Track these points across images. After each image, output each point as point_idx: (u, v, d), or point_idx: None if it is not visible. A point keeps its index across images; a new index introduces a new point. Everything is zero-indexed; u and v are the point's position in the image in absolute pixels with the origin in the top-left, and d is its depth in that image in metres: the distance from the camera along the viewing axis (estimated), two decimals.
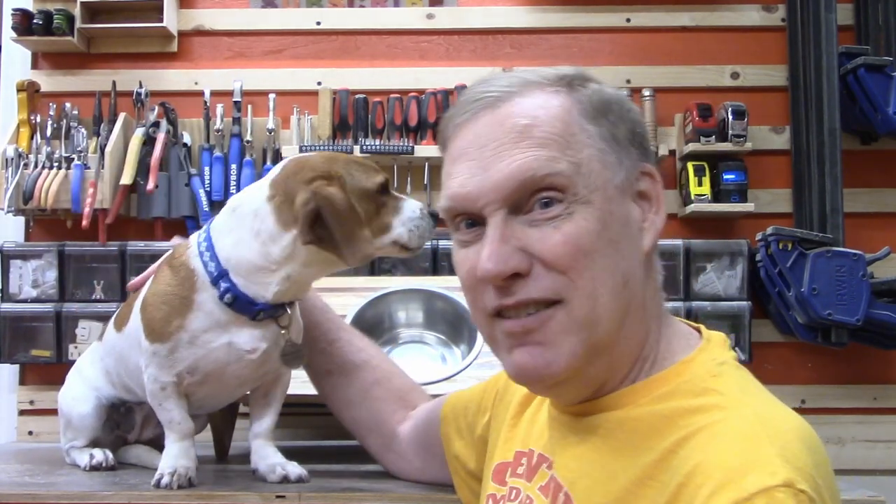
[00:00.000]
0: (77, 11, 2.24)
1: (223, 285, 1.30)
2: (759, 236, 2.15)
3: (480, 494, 1.08)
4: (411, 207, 1.33)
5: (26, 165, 2.16)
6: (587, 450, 0.88)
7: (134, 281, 1.50)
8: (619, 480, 0.82)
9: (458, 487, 1.24)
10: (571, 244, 0.82)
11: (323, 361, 1.44)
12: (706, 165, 2.18)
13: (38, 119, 2.21)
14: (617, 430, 0.86)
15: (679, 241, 2.17)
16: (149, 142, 2.19)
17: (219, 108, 2.25)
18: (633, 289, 0.86)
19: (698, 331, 0.94)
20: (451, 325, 1.83)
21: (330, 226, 1.25)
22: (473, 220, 0.88)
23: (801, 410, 2.17)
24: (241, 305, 1.31)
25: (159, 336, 1.34)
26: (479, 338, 1.76)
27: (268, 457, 1.42)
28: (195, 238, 1.38)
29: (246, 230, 1.30)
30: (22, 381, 2.25)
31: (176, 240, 1.53)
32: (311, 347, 1.42)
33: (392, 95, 2.25)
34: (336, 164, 1.31)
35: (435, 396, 1.38)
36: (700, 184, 2.16)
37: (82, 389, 1.55)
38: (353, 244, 1.27)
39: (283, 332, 1.36)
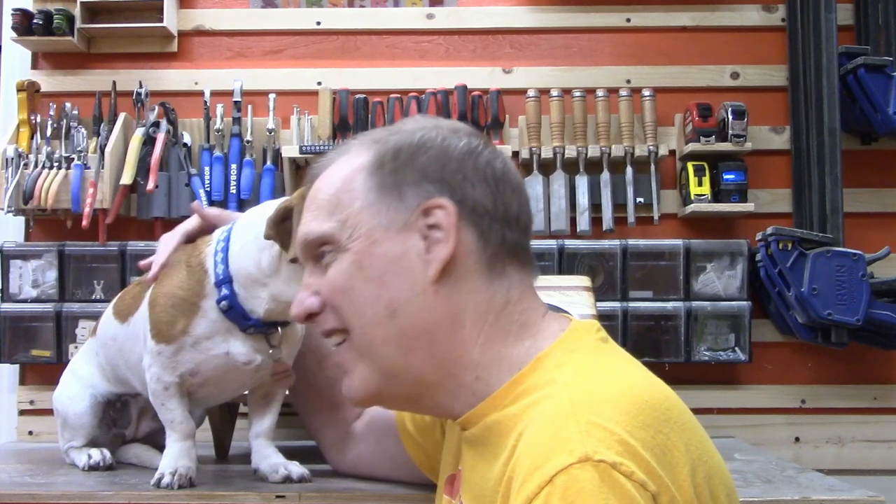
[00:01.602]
0: (77, 11, 2.23)
1: (223, 291, 1.31)
2: (759, 236, 2.15)
3: (438, 500, 1.13)
4: None
5: (26, 165, 2.15)
6: (470, 458, 0.96)
7: (147, 261, 1.45)
8: (489, 482, 0.88)
9: (424, 468, 1.28)
10: (330, 284, 0.96)
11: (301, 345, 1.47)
12: (706, 165, 2.18)
13: (38, 119, 2.21)
14: (486, 436, 0.92)
15: (679, 241, 2.17)
16: (149, 142, 2.19)
17: (219, 108, 2.25)
18: (407, 317, 0.93)
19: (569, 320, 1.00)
20: None
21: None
22: None
23: (801, 410, 2.21)
24: (235, 315, 1.33)
25: (165, 337, 1.34)
26: None
27: (269, 457, 1.42)
28: (217, 238, 1.37)
29: (251, 235, 1.31)
30: (22, 381, 2.25)
31: (196, 205, 1.52)
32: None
33: (392, 95, 2.25)
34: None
35: None
36: (700, 184, 2.17)
37: (77, 388, 1.55)
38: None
39: (270, 351, 1.37)
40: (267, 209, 1.30)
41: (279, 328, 1.36)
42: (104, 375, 1.55)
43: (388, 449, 1.35)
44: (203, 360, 1.35)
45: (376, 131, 1.03)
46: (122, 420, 1.58)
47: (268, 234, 1.25)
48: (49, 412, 1.66)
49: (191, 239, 1.45)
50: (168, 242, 1.44)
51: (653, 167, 2.20)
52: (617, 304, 2.13)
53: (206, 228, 1.44)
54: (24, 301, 2.18)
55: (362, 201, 0.96)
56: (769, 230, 2.10)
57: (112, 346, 1.51)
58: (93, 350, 1.58)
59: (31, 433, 2.21)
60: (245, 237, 1.32)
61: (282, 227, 1.25)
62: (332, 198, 0.97)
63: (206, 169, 2.21)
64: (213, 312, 1.33)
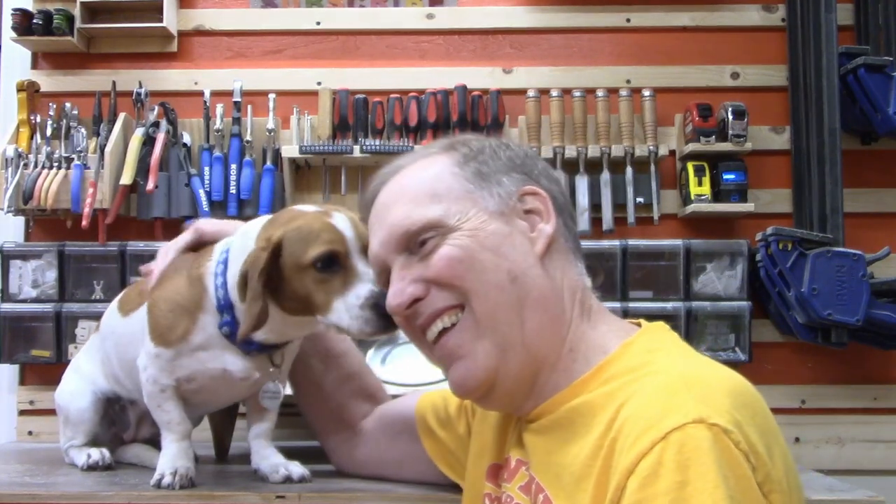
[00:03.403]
0: (77, 11, 2.24)
1: (225, 317, 1.30)
2: (759, 236, 2.15)
3: (471, 489, 1.16)
4: (359, 293, 1.20)
5: (26, 165, 2.15)
6: (551, 442, 0.98)
7: (148, 267, 1.45)
8: (579, 459, 0.91)
9: (430, 451, 1.31)
10: (448, 259, 0.99)
11: (306, 344, 1.46)
12: (706, 165, 2.18)
13: (38, 119, 2.21)
14: (572, 418, 0.95)
15: (679, 241, 2.17)
16: (149, 142, 2.19)
17: (219, 108, 2.25)
18: (526, 284, 0.99)
19: (639, 325, 1.06)
20: None
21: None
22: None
23: (801, 411, 2.20)
24: (236, 340, 1.31)
25: (164, 341, 1.34)
26: None
27: (269, 457, 1.42)
28: (219, 251, 1.35)
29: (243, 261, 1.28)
30: (22, 381, 2.25)
31: (189, 224, 1.51)
32: None
33: (392, 95, 2.25)
34: (288, 228, 1.24)
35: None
36: (700, 184, 2.16)
37: (79, 384, 1.56)
38: (254, 318, 1.22)
39: (271, 370, 1.37)
40: (248, 233, 1.29)
41: (282, 347, 1.36)
42: (104, 372, 1.55)
43: (400, 448, 1.36)
44: (200, 370, 1.35)
45: (434, 144, 1.10)
46: (121, 422, 1.58)
47: (242, 299, 1.24)
48: (49, 412, 1.66)
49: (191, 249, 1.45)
50: (165, 254, 1.44)
51: (653, 167, 2.20)
52: (617, 305, 2.13)
53: (205, 243, 1.43)
54: (24, 301, 2.18)
55: (461, 189, 1.03)
56: (769, 230, 2.10)
57: (110, 339, 1.51)
58: (96, 346, 1.58)
59: (30, 433, 2.21)
60: (240, 261, 1.28)
61: (247, 288, 1.23)
62: (427, 189, 1.03)
63: (206, 169, 2.21)
64: (212, 328, 1.32)
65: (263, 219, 1.33)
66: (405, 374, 1.74)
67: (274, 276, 1.23)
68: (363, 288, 1.20)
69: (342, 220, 1.24)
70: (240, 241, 1.32)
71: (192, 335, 1.33)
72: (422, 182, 1.04)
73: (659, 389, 0.86)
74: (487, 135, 2.21)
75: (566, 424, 0.96)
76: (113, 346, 1.50)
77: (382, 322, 1.18)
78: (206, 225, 1.47)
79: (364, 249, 1.20)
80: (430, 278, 1.00)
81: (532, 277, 1.00)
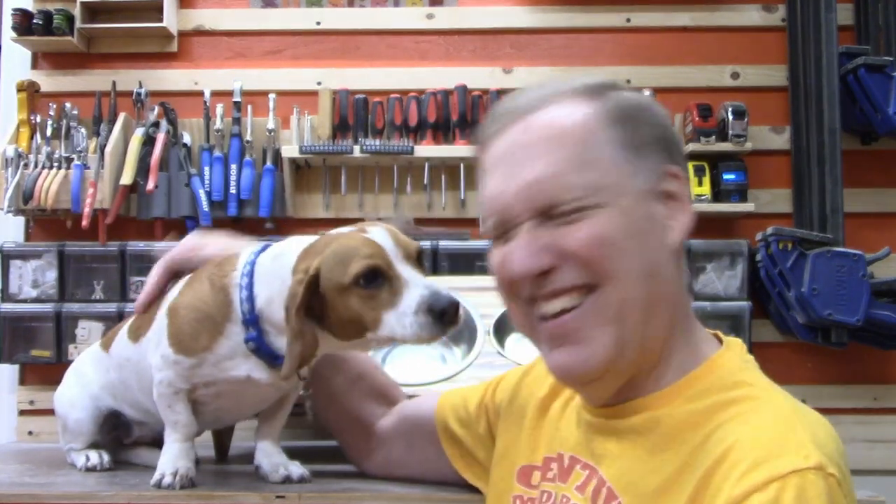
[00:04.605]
0: (77, 11, 2.24)
1: (251, 331, 1.27)
2: (759, 236, 2.15)
3: (495, 491, 1.12)
4: (409, 300, 1.16)
5: (26, 165, 2.16)
6: (627, 448, 0.93)
7: (141, 301, 1.44)
8: (662, 473, 0.87)
9: (452, 458, 1.27)
10: (595, 237, 0.89)
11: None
12: (706, 165, 2.18)
13: (38, 119, 2.21)
14: (656, 429, 0.90)
15: None
16: (149, 142, 2.19)
17: (219, 108, 2.25)
18: (660, 281, 0.91)
19: (716, 336, 1.00)
20: None
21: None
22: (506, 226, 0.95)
23: None
24: (262, 355, 1.29)
25: (186, 349, 1.31)
26: (479, 338, 1.76)
27: (272, 455, 1.42)
28: (242, 263, 1.31)
29: (277, 288, 1.25)
30: (22, 381, 2.25)
31: (171, 239, 1.50)
32: None
33: (392, 95, 2.25)
34: (324, 254, 1.20)
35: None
36: (700, 184, 2.17)
37: (80, 395, 1.53)
38: (296, 358, 1.19)
39: (301, 381, 1.36)
40: (285, 254, 1.26)
41: (309, 361, 1.35)
42: (112, 393, 1.51)
43: (422, 452, 1.32)
44: (222, 378, 1.33)
45: (577, 80, 0.97)
46: (123, 432, 1.57)
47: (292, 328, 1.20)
48: (49, 412, 1.65)
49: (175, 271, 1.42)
50: (154, 274, 1.42)
51: None
52: None
53: (193, 260, 1.40)
54: (24, 301, 2.18)
55: (613, 158, 0.91)
56: (769, 230, 2.10)
57: (127, 367, 1.47)
58: (104, 364, 1.54)
59: (30, 433, 2.21)
60: (272, 285, 1.26)
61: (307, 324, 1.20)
62: (579, 150, 0.91)
63: (206, 169, 2.21)
64: (237, 337, 1.29)
65: (297, 241, 1.28)
66: (405, 373, 1.74)
67: (316, 306, 1.20)
68: (413, 294, 1.15)
69: (379, 233, 1.20)
70: (269, 261, 1.28)
71: (216, 345, 1.30)
72: (571, 138, 0.91)
73: (771, 422, 0.83)
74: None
75: (645, 433, 0.91)
76: (133, 375, 1.47)
77: (438, 325, 1.14)
78: (176, 253, 1.42)
79: (407, 256, 1.18)
80: (569, 251, 0.89)
81: (665, 274, 0.92)
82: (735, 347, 0.96)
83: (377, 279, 1.17)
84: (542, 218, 0.91)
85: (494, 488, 1.12)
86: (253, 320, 1.27)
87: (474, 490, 1.31)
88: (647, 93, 2.21)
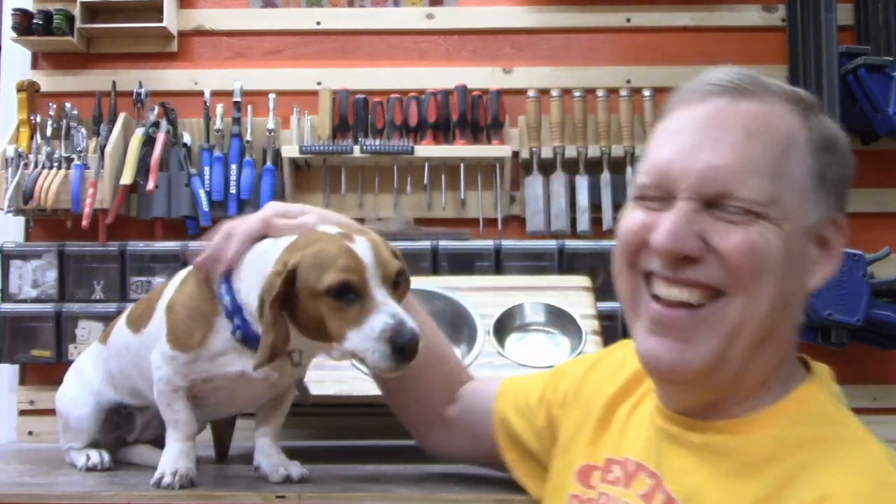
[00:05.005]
0: (77, 11, 2.24)
1: (236, 321, 1.28)
2: None
3: (553, 484, 1.10)
4: (375, 324, 1.15)
5: (26, 165, 2.16)
6: (702, 466, 0.89)
7: (199, 245, 1.33)
8: (739, 500, 0.84)
9: (511, 463, 1.23)
10: (751, 247, 0.86)
11: None
12: None
13: (38, 119, 2.21)
14: (738, 452, 0.87)
15: None
16: (149, 142, 2.19)
17: (219, 108, 2.25)
18: (786, 314, 0.89)
19: (802, 360, 0.97)
20: (451, 324, 1.83)
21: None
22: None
23: None
24: (251, 344, 1.28)
25: (182, 345, 1.32)
26: (480, 338, 1.76)
27: (271, 455, 1.42)
28: None
29: (258, 281, 1.24)
30: (22, 381, 2.25)
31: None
32: None
33: (392, 95, 2.25)
34: (305, 252, 1.18)
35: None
36: None
37: (81, 392, 1.54)
38: (267, 348, 1.18)
39: (290, 370, 1.34)
40: (268, 253, 1.24)
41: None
42: (112, 384, 1.53)
43: (481, 440, 1.28)
44: (219, 373, 1.34)
45: (777, 82, 0.94)
46: (126, 427, 1.57)
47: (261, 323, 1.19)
48: (49, 412, 1.65)
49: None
50: (228, 237, 1.27)
51: None
52: (617, 305, 2.11)
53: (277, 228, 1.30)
54: (24, 301, 2.18)
55: (801, 182, 0.88)
56: None
57: (125, 356, 1.49)
58: (102, 357, 1.56)
59: (31, 433, 2.21)
60: (254, 278, 1.25)
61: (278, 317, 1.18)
62: (776, 159, 0.87)
63: (206, 169, 2.21)
64: (227, 331, 1.30)
65: (287, 239, 1.27)
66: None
67: (291, 300, 1.20)
68: (379, 319, 1.15)
69: (363, 245, 1.19)
70: (255, 255, 1.28)
71: (209, 340, 1.31)
72: (778, 141, 0.88)
73: (868, 468, 0.81)
74: (487, 134, 2.22)
75: (724, 454, 0.88)
76: (131, 364, 1.47)
77: (396, 357, 1.14)
78: (278, 220, 1.28)
79: (384, 277, 1.17)
80: (720, 249, 0.86)
81: (793, 313, 0.90)
82: (823, 377, 0.94)
83: (349, 294, 1.16)
84: (706, 204, 0.87)
85: (553, 481, 1.10)
86: (236, 310, 1.28)
87: (474, 490, 1.31)
88: (647, 93, 2.22)
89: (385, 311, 1.15)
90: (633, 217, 0.93)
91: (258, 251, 1.28)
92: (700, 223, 0.87)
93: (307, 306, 1.19)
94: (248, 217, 1.30)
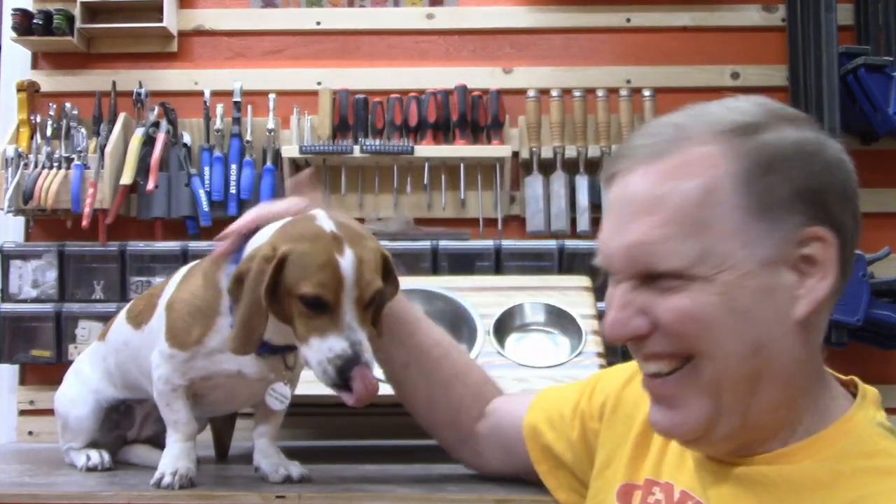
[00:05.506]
0: (77, 11, 2.24)
1: (233, 318, 1.28)
2: None
3: (593, 500, 1.08)
4: (328, 346, 1.16)
5: (26, 165, 2.16)
6: (748, 496, 0.87)
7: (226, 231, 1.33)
8: None
9: (543, 475, 1.22)
10: (683, 314, 0.84)
11: (402, 354, 1.36)
12: None
13: (38, 119, 2.21)
14: (780, 484, 0.85)
15: None
16: (149, 142, 2.19)
17: (219, 108, 2.25)
18: (769, 356, 0.84)
19: (849, 384, 0.93)
20: (451, 325, 1.83)
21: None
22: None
23: None
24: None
25: (180, 343, 1.33)
26: (480, 338, 1.76)
27: (271, 455, 1.42)
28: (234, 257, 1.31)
29: None
30: (22, 381, 2.25)
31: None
32: (389, 338, 1.32)
33: (392, 95, 2.25)
34: (296, 246, 1.18)
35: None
36: None
37: (80, 391, 1.54)
38: (245, 330, 1.19)
39: (284, 372, 1.35)
40: (262, 236, 1.25)
41: (294, 349, 1.35)
42: (111, 381, 1.54)
43: (519, 463, 1.26)
44: (215, 371, 1.34)
45: (701, 114, 0.88)
46: (126, 422, 1.57)
47: (230, 293, 1.21)
48: (49, 412, 1.65)
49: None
50: (244, 220, 1.29)
51: None
52: None
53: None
54: (24, 301, 2.18)
55: (731, 224, 0.82)
56: None
57: (124, 352, 1.49)
58: (100, 354, 1.56)
59: (31, 433, 2.21)
60: None
61: (240, 288, 1.19)
62: (693, 213, 0.83)
63: (206, 169, 2.21)
64: (226, 330, 1.30)
65: (274, 225, 1.27)
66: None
67: (271, 286, 1.20)
68: (338, 344, 1.16)
69: (348, 261, 1.18)
70: (256, 245, 1.27)
71: (207, 339, 1.31)
72: (687, 198, 0.83)
73: None
74: (487, 134, 2.22)
75: (768, 485, 0.85)
76: (130, 359, 1.48)
77: (340, 383, 1.16)
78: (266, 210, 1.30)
79: (359, 298, 1.17)
80: (660, 321, 0.85)
81: (781, 348, 0.84)
82: (869, 404, 0.90)
83: (320, 307, 1.17)
84: (641, 280, 0.86)
85: (593, 498, 1.09)
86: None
87: (474, 490, 1.31)
88: (647, 93, 2.21)
89: (347, 337, 1.16)
90: (608, 298, 0.93)
91: (253, 243, 1.28)
92: (641, 299, 0.86)
93: (284, 297, 1.19)
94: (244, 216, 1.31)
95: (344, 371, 1.15)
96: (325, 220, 1.23)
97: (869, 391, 0.91)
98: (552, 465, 1.20)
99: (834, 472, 0.82)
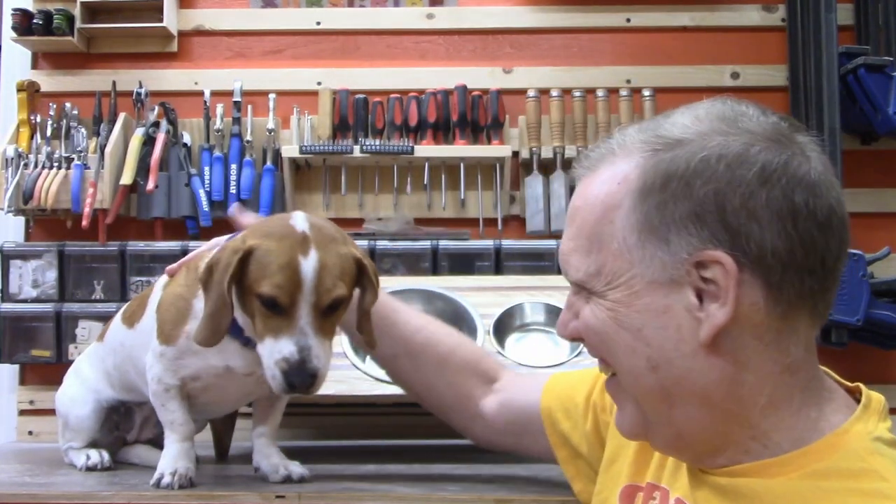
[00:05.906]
0: (77, 11, 2.24)
1: None
2: None
3: (598, 498, 1.08)
4: (281, 347, 1.17)
5: (26, 165, 2.15)
6: (708, 500, 0.87)
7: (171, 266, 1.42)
8: None
9: (562, 462, 1.22)
10: (585, 324, 0.88)
11: (388, 345, 1.37)
12: None
13: (38, 119, 2.21)
14: (767, 498, 0.82)
15: None
16: (149, 142, 2.19)
17: (219, 108, 2.25)
18: (670, 374, 0.83)
19: (855, 391, 0.90)
20: (451, 324, 1.82)
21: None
22: None
23: None
24: (234, 336, 1.29)
25: (168, 338, 1.34)
26: (480, 338, 1.76)
27: (270, 456, 1.42)
28: (220, 242, 1.34)
29: None
30: (22, 381, 2.25)
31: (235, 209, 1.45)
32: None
33: (392, 95, 2.25)
34: (262, 243, 1.19)
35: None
36: None
37: (80, 391, 1.55)
38: (211, 322, 1.20)
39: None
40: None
41: None
42: (110, 382, 1.54)
43: (531, 444, 1.27)
44: (204, 367, 1.34)
45: (655, 125, 0.86)
46: (126, 424, 1.58)
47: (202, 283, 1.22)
48: (49, 412, 1.66)
49: None
50: (200, 250, 1.39)
51: None
52: None
53: None
54: (24, 301, 2.17)
55: (620, 243, 0.83)
56: None
57: (120, 352, 1.50)
58: (99, 355, 1.57)
59: (31, 433, 2.21)
60: None
61: (211, 279, 1.20)
62: (593, 228, 0.85)
63: (206, 169, 2.21)
64: None
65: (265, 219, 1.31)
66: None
67: (236, 279, 1.21)
68: (287, 346, 1.16)
69: (311, 263, 1.17)
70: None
71: (192, 327, 1.32)
72: (591, 213, 0.85)
73: None
74: (487, 134, 2.22)
75: (752, 497, 0.83)
76: (126, 359, 1.48)
77: (287, 386, 1.18)
78: (244, 218, 1.38)
79: (316, 304, 1.17)
80: (580, 331, 0.90)
81: (683, 369, 0.82)
82: (871, 415, 0.86)
83: (276, 308, 1.17)
84: (579, 287, 0.89)
85: (598, 496, 1.09)
86: None
87: (474, 490, 1.31)
88: (647, 93, 2.21)
89: (297, 341, 1.17)
90: None
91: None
92: (576, 305, 0.90)
93: (244, 294, 1.21)
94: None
95: (289, 376, 1.16)
96: (300, 221, 1.22)
97: (873, 400, 0.88)
98: (570, 453, 1.21)
99: (817, 490, 0.79)
